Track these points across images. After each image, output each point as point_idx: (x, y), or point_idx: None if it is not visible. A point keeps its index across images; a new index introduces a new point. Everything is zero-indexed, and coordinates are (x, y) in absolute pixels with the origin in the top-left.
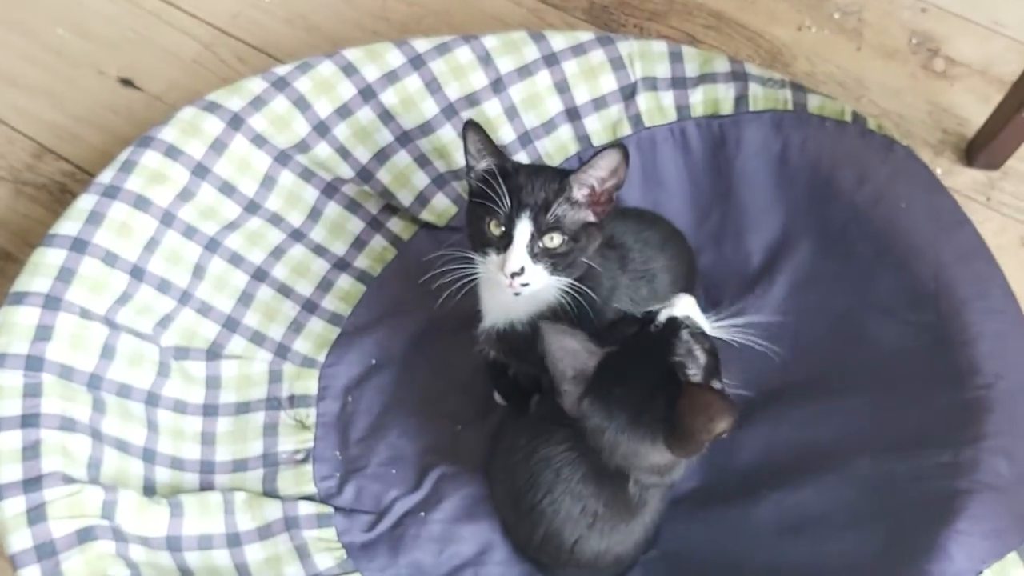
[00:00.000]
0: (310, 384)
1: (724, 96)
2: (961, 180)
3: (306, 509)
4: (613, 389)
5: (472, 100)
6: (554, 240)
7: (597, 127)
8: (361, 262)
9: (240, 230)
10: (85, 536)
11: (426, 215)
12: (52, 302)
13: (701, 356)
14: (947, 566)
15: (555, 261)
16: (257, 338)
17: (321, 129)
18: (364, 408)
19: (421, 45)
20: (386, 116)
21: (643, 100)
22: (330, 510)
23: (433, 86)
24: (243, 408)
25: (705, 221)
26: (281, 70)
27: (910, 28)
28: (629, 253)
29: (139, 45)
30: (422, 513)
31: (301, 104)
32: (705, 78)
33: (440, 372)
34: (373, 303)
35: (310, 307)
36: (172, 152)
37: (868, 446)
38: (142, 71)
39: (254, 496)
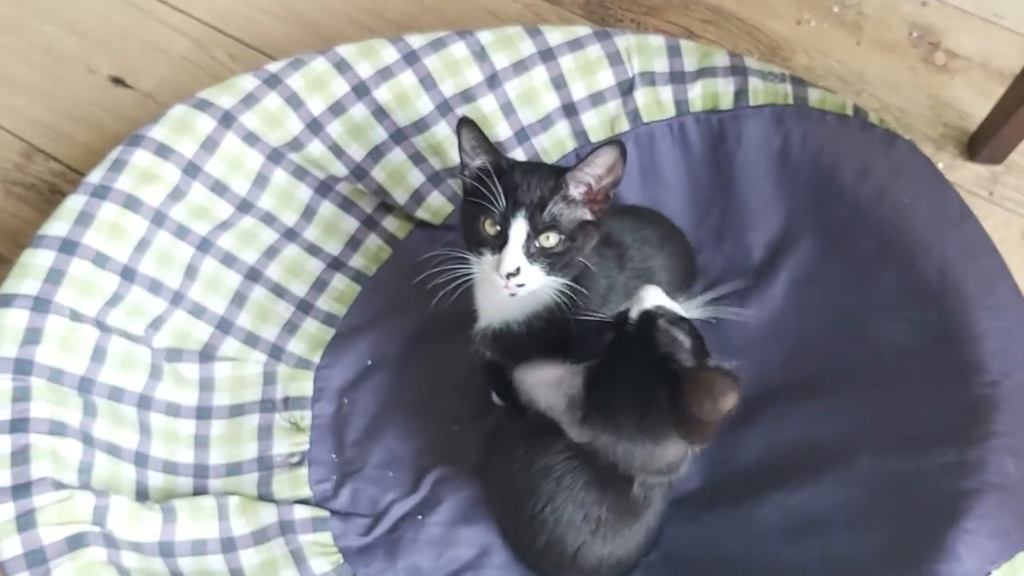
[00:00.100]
0: (305, 386)
1: (723, 90)
2: (963, 175)
3: (301, 513)
4: (611, 401)
5: (467, 96)
6: (550, 239)
7: (595, 123)
8: (356, 262)
9: (233, 230)
10: (76, 543)
11: (421, 213)
12: (41, 304)
13: (685, 340)
14: (955, 567)
15: (551, 261)
16: (251, 339)
17: (314, 127)
18: (360, 410)
19: (415, 41)
20: (380, 113)
21: (641, 95)
22: (326, 514)
23: (428, 82)
24: (237, 411)
25: (705, 218)
26: (273, 67)
27: (910, 21)
28: (627, 252)
29: (130, 42)
30: (419, 516)
31: (294, 101)
32: (704, 72)
33: (437, 372)
34: (368, 303)
35: (304, 308)
36: (163, 151)
37: (871, 445)
38: (133, 69)
39: (248, 500)
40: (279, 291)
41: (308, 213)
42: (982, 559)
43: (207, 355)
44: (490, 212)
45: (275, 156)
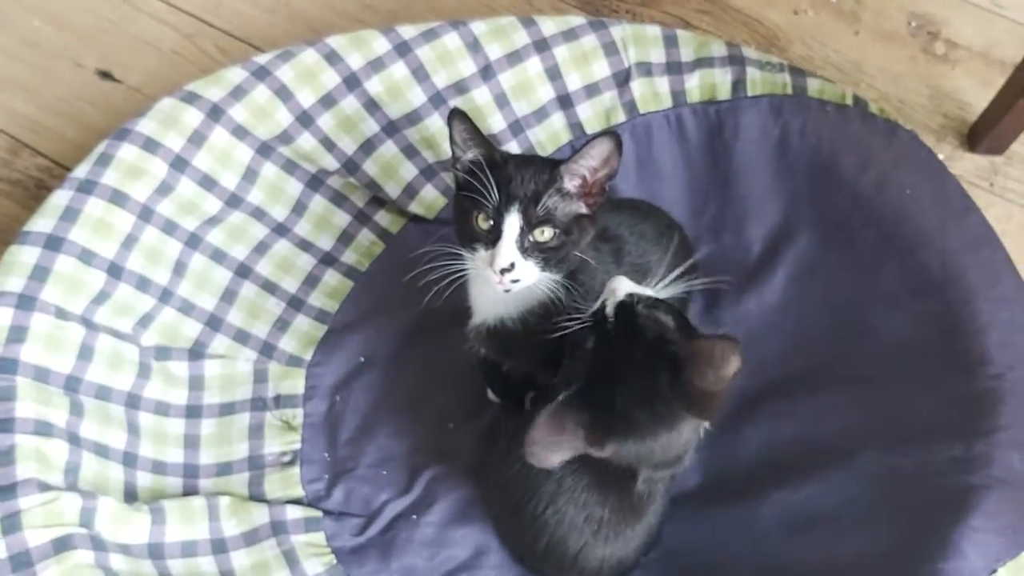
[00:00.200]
0: (296, 383)
1: (721, 81)
2: (964, 166)
3: (294, 513)
4: (616, 406)
5: (460, 88)
6: (545, 234)
7: (590, 115)
8: (348, 257)
9: (222, 225)
10: (62, 545)
11: (414, 207)
12: (26, 302)
13: (668, 320)
14: (961, 564)
15: (546, 256)
16: (241, 337)
17: (304, 119)
18: (352, 408)
19: (407, 32)
20: (371, 105)
21: (637, 86)
22: (318, 514)
23: (420, 74)
24: (227, 409)
25: (703, 211)
26: (262, 59)
27: (909, 11)
28: (624, 246)
29: (117, 36)
30: (414, 516)
31: (283, 94)
32: (701, 62)
33: (431, 369)
34: (361, 299)
35: (296, 304)
36: (150, 145)
37: (874, 440)
38: (120, 63)
39: (239, 500)
40: (270, 287)
41: (299, 207)
42: (989, 556)
43: (196, 353)
44: (483, 206)
45: (264, 150)
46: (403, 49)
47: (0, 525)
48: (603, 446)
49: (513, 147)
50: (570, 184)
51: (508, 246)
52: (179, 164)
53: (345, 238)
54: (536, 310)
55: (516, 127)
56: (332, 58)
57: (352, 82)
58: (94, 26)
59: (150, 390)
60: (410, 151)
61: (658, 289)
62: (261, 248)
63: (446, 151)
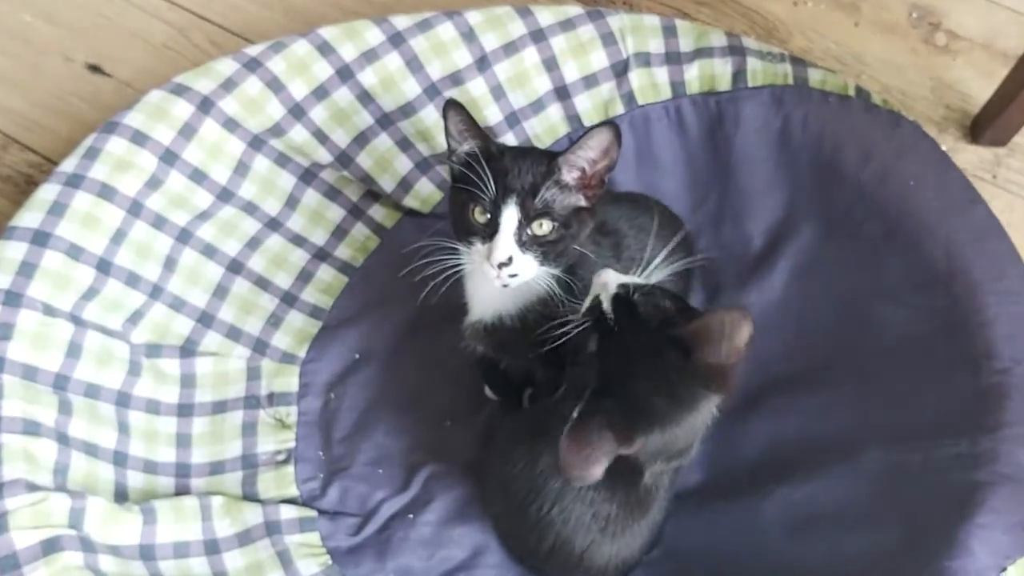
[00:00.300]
0: (290, 381)
1: (721, 71)
2: (966, 158)
3: (288, 513)
4: (636, 401)
5: (456, 79)
6: (543, 227)
7: (588, 106)
8: (342, 252)
9: (213, 220)
10: (51, 547)
11: (410, 201)
12: (12, 298)
13: (667, 302)
14: (969, 562)
15: (545, 249)
16: (233, 333)
17: (296, 112)
18: (348, 405)
19: (401, 22)
20: (365, 97)
21: (636, 77)
22: (313, 513)
23: (414, 65)
24: (220, 407)
25: (702, 204)
26: (253, 50)
27: (910, 2)
28: (624, 240)
29: (108, 30)
30: (411, 515)
31: (275, 85)
32: (701, 53)
33: (428, 366)
34: (356, 295)
35: (289, 300)
36: (138, 138)
37: (878, 437)
38: (111, 57)
39: (233, 500)
40: (262, 283)
41: (292, 202)
42: (997, 554)
43: (188, 350)
44: (479, 199)
45: (256, 143)
46: (397, 40)
47: None
48: (632, 442)
49: (509, 140)
50: (568, 176)
51: (506, 239)
52: (169, 157)
53: (339, 233)
54: (535, 306)
55: (512, 119)
56: (324, 49)
57: (345, 73)
58: (85, 20)
59: (140, 388)
60: (405, 144)
61: (647, 274)
62: (253, 243)
63: (441, 144)
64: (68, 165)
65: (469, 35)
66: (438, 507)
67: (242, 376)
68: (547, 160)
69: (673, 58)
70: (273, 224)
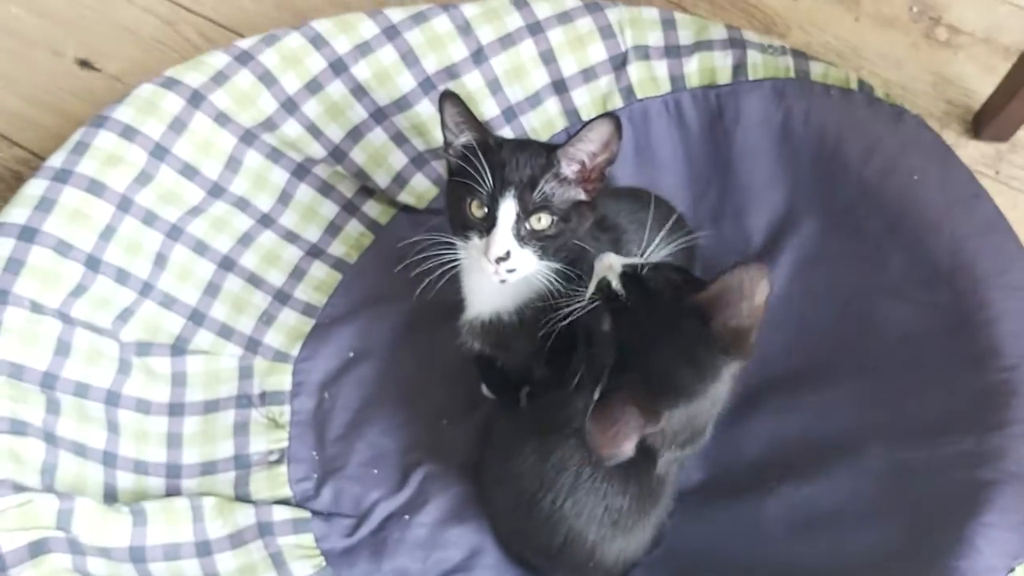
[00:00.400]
0: (283, 380)
1: (721, 65)
2: (968, 153)
3: (281, 514)
4: (659, 375)
5: (451, 72)
6: (542, 221)
7: (586, 100)
8: (336, 248)
9: (204, 216)
10: (38, 549)
11: (404, 197)
12: None
13: (675, 276)
14: (976, 562)
15: (543, 244)
16: (225, 331)
17: (289, 106)
18: (342, 404)
19: (395, 15)
20: (359, 91)
21: (635, 70)
22: (307, 514)
23: (409, 58)
24: (211, 407)
25: (703, 199)
26: (244, 43)
27: None
28: (623, 236)
29: (97, 24)
30: (406, 516)
31: (267, 79)
32: (700, 46)
33: (423, 364)
34: (350, 292)
35: (282, 298)
36: (128, 132)
37: (882, 435)
38: (100, 51)
39: (225, 501)
40: (255, 280)
41: (284, 198)
42: (1004, 553)
43: (179, 348)
44: (476, 192)
45: (248, 137)
46: (391, 33)
47: None
48: (658, 417)
49: (507, 134)
50: (568, 169)
51: (503, 233)
52: (159, 152)
53: (333, 229)
54: (533, 302)
55: (509, 113)
56: (317, 42)
57: (339, 67)
58: (74, 14)
59: (130, 387)
60: (399, 139)
61: (647, 256)
62: (245, 240)
63: (437, 139)
64: (56, 160)
65: (465, 28)
66: (434, 508)
67: (234, 375)
68: (546, 153)
69: (672, 51)
70: (265, 220)
